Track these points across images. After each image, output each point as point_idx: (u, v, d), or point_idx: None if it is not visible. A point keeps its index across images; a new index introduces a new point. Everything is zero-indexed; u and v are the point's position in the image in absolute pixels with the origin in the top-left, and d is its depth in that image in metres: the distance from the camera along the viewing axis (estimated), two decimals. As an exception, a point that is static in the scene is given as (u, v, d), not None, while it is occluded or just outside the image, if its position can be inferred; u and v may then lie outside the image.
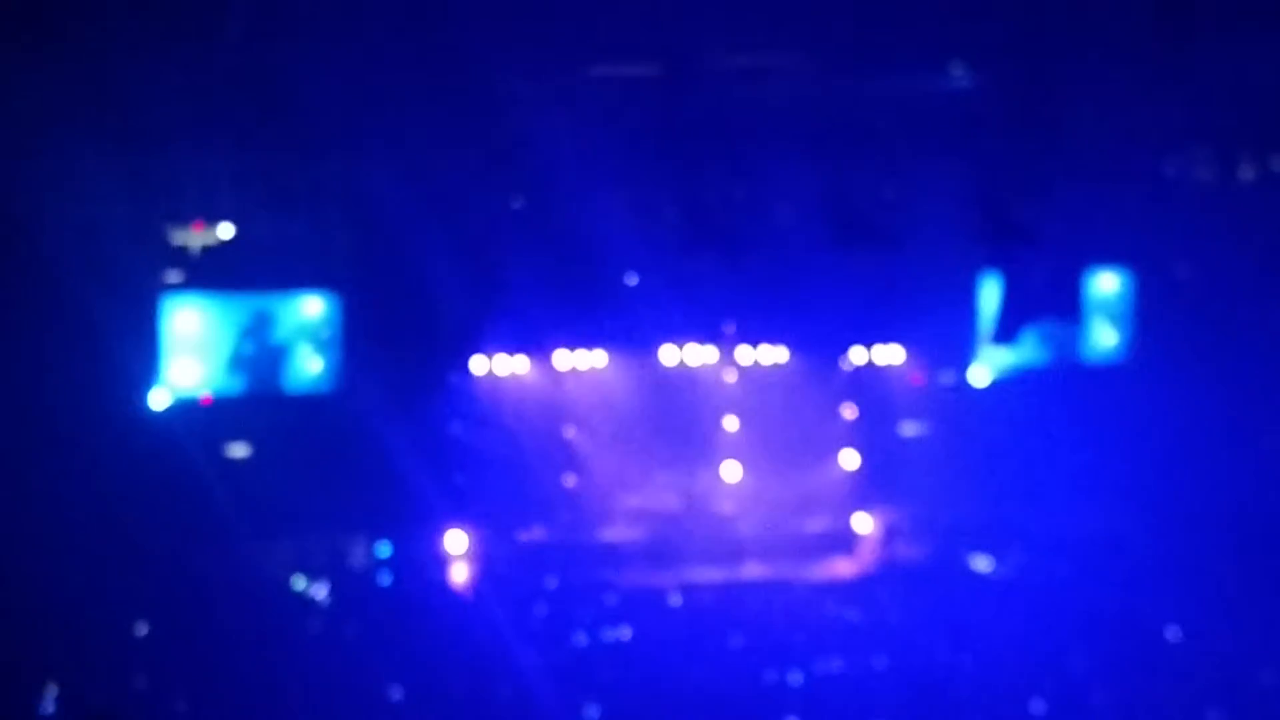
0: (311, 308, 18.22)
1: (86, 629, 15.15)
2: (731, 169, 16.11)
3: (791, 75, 15.00)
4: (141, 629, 16.16)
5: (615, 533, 19.40)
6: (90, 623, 15.29)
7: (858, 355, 19.31)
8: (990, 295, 18.18)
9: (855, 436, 19.77)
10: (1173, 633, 16.42)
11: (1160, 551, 17.22)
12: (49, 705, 14.22)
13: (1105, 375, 18.67)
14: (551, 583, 18.24)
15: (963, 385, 19.08)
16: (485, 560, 18.69)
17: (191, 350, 17.94)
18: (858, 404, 19.65)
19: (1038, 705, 15.13)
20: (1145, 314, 18.67)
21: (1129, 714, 15.01)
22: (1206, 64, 14.06)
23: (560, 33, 13.91)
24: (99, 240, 16.47)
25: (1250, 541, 17.09)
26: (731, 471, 19.67)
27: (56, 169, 15.79)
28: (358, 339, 17.90)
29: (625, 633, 17.14)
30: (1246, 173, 16.52)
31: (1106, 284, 18.76)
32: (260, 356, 18.23)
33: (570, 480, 19.54)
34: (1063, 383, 18.57)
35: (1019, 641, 15.84)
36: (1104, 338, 18.91)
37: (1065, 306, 17.86)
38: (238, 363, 18.11)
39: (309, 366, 18.26)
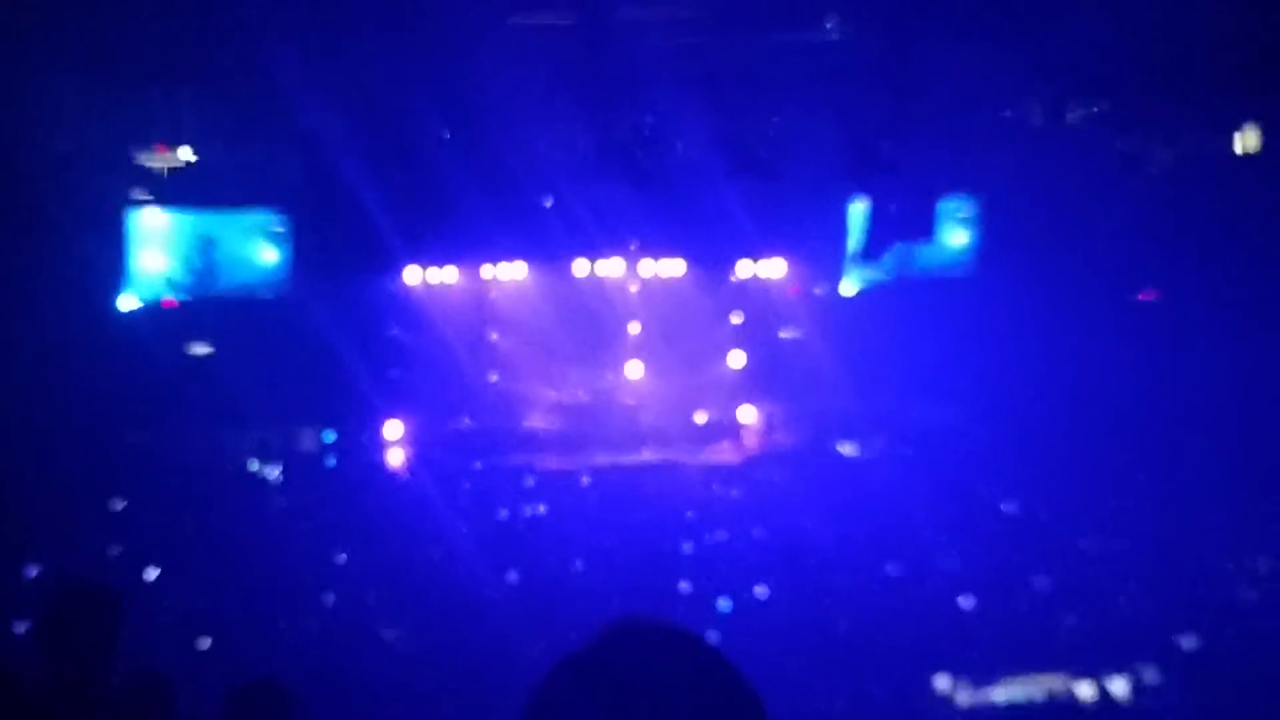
0: (264, 224, 18.45)
1: (67, 506, 15.72)
2: (637, 107, 16.08)
3: (690, 27, 15.03)
4: (116, 506, 16.85)
5: (533, 422, 19.64)
6: (70, 501, 15.91)
7: (744, 269, 19.53)
8: (858, 219, 18.52)
9: (741, 339, 19.99)
10: (1008, 507, 17.41)
11: (997, 438, 17.73)
12: (31, 570, 14.87)
13: (953, 287, 18.86)
14: (477, 465, 18.69)
15: (834, 295, 19.41)
16: (418, 445, 18.96)
17: (156, 258, 18.32)
18: (744, 311, 19.84)
19: (894, 568, 16.17)
20: (987, 235, 18.91)
21: (971, 576, 15.78)
22: (1039, 28, 14.72)
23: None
24: (72, 161, 16.65)
25: (1071, 429, 17.67)
26: (635, 369, 19.97)
27: (30, 96, 15.55)
28: (305, 252, 18.21)
29: (541, 509, 17.87)
30: (1073, 116, 17.05)
31: (956, 209, 18.97)
32: (218, 265, 18.56)
33: (494, 377, 19.72)
34: (918, 293, 18.79)
35: (878, 515, 16.59)
36: (952, 255, 19.13)
37: (921, 229, 18.19)
38: (198, 270, 18.47)
39: (262, 275, 18.53)
